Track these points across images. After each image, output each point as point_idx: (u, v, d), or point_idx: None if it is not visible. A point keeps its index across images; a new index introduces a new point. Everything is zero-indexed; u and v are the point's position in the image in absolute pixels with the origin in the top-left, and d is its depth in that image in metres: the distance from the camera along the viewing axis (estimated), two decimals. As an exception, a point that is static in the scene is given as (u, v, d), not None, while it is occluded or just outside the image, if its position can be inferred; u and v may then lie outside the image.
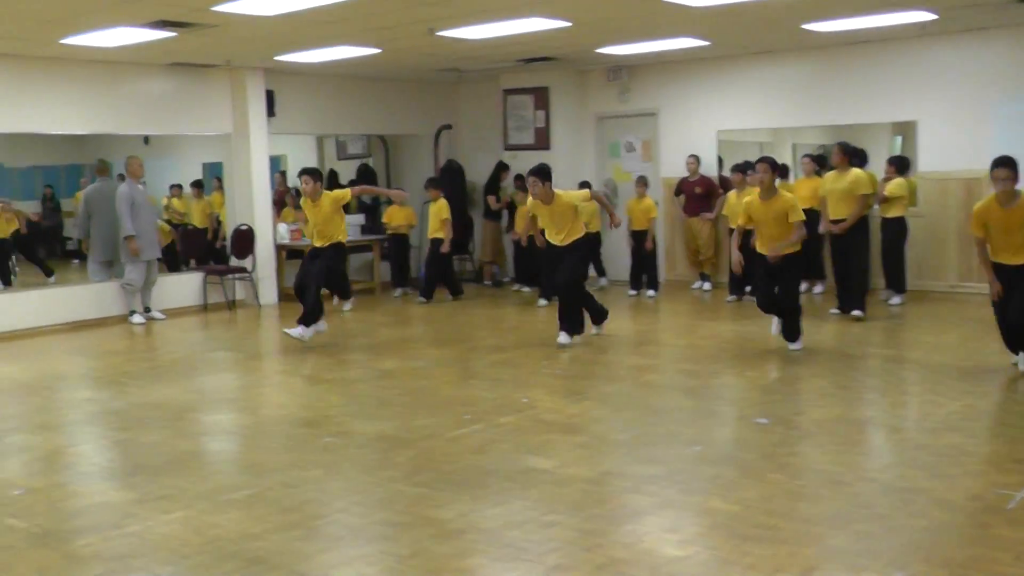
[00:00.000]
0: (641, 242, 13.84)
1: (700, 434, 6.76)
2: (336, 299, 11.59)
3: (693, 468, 5.95)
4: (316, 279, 10.47)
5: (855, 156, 11.67)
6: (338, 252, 10.69)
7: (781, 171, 13.99)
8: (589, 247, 10.84)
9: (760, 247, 9.30)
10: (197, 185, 16.70)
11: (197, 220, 16.59)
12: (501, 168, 15.66)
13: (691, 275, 14.59)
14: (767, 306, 9.42)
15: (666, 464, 6.04)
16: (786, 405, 7.68)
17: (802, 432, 6.72)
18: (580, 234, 10.15)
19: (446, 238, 13.92)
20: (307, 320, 10.50)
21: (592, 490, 5.55)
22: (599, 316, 10.55)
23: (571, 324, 10.17)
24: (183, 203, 17.10)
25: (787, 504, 5.21)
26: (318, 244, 10.57)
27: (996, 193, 7.96)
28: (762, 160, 9.28)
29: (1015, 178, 7.88)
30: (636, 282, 14.05)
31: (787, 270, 9.22)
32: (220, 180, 16.38)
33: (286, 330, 10.68)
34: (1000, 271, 8.08)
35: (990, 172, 7.97)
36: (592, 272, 13.82)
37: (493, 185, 15.58)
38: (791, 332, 9.48)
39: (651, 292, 13.86)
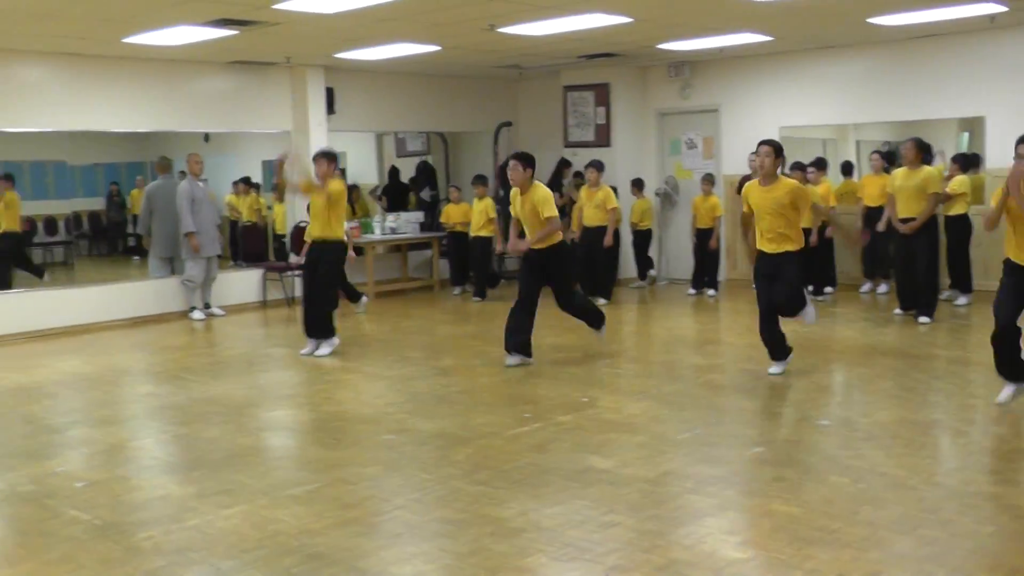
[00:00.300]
0: (705, 240, 13.75)
1: (761, 435, 6.72)
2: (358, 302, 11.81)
3: (754, 469, 5.91)
4: (319, 303, 9.98)
5: (927, 153, 11.47)
6: (335, 257, 10.00)
7: (845, 168, 13.91)
8: (568, 254, 9.54)
9: (758, 242, 8.35)
10: (245, 182, 16.80)
11: (245, 216, 16.69)
12: (563, 164, 15.65)
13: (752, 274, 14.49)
14: (768, 317, 8.45)
15: (727, 465, 6.01)
16: (849, 407, 7.60)
17: (865, 434, 6.64)
18: (559, 236, 9.13)
19: (496, 236, 13.94)
20: (320, 334, 10.16)
21: (652, 490, 5.53)
22: (595, 320, 9.69)
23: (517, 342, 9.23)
24: (238, 200, 17.25)
25: (850, 507, 5.15)
26: (315, 236, 9.90)
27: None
28: (764, 143, 8.21)
29: None
30: (697, 281, 13.98)
31: (784, 268, 8.19)
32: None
33: (304, 352, 10.19)
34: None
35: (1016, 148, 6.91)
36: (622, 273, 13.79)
37: (556, 182, 15.57)
38: (778, 347, 8.52)
39: (711, 292, 13.77)
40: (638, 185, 14.85)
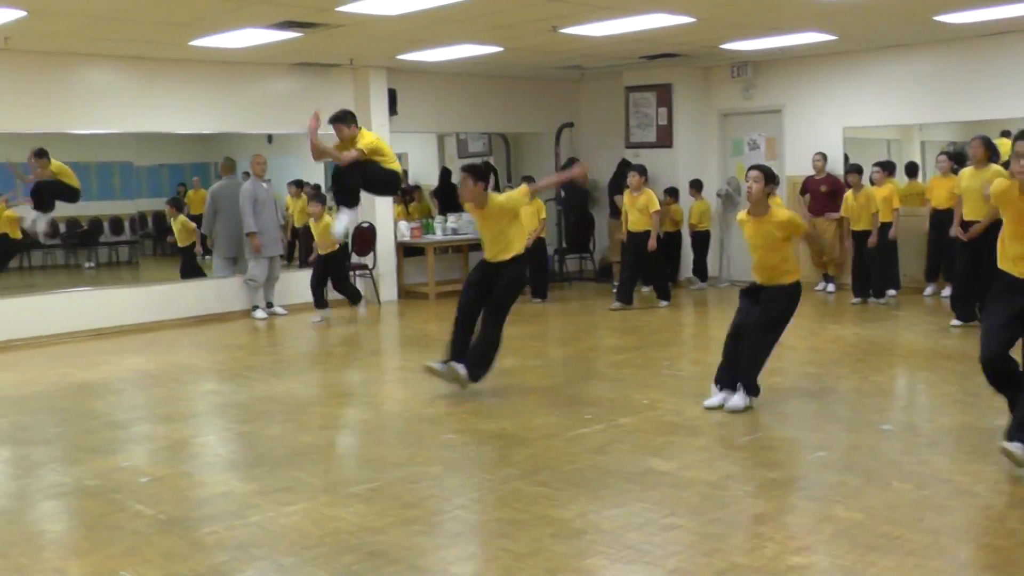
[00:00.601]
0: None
1: (824, 439, 6.67)
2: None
3: (816, 474, 5.88)
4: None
5: (995, 151, 11.19)
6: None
7: (909, 169, 13.75)
8: (525, 267, 8.55)
9: (753, 271, 7.58)
10: (296, 184, 16.92)
11: (297, 220, 16.81)
12: (626, 166, 15.60)
13: (814, 276, 14.36)
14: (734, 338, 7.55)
15: (788, 469, 5.98)
16: (913, 411, 7.53)
17: (929, 440, 6.58)
18: (519, 250, 8.19)
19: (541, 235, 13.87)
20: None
21: (713, 494, 5.52)
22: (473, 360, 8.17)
23: (459, 351, 8.17)
24: (291, 202, 17.39)
25: (913, 514, 5.11)
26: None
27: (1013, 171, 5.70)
28: (754, 168, 7.44)
29: None
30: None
31: (773, 300, 7.43)
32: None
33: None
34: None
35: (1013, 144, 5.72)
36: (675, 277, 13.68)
37: (618, 183, 15.55)
38: (745, 369, 7.47)
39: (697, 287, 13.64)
40: (696, 186, 14.81)
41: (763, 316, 7.38)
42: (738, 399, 7.36)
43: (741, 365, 7.42)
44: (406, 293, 14.84)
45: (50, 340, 11.63)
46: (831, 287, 13.99)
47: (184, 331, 12.30)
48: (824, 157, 13.87)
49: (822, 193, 13.83)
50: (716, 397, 7.51)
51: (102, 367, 10.00)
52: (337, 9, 9.58)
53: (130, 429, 7.51)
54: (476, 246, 15.57)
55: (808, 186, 14.02)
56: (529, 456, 6.36)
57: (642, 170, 13.13)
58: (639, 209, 12.98)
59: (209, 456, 6.80)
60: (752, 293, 7.56)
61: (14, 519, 5.55)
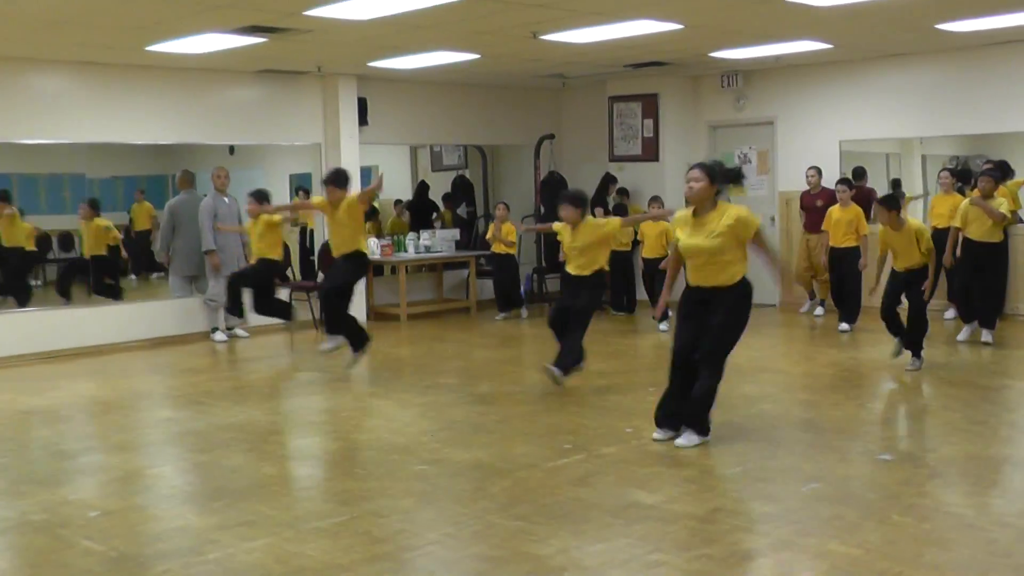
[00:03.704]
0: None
1: (818, 470, 6.67)
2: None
3: (810, 507, 5.88)
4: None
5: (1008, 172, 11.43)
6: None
7: (893, 186, 13.81)
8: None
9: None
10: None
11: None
12: (608, 181, 15.65)
13: (800, 296, 14.37)
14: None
15: (781, 502, 5.98)
16: (913, 440, 7.55)
17: (931, 470, 6.59)
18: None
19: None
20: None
21: (701, 528, 5.51)
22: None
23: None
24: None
25: (913, 549, 5.11)
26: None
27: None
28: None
29: None
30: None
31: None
32: (307, 191, 16.61)
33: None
34: None
35: None
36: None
37: (600, 197, 15.58)
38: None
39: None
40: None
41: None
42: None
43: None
44: (376, 314, 14.81)
45: (-5, 364, 11.56)
46: (820, 309, 13.98)
47: (138, 354, 12.23)
48: (819, 171, 13.91)
49: (818, 208, 13.85)
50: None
51: (49, 393, 9.93)
52: (304, 13, 9.57)
53: (79, 459, 7.45)
54: (451, 265, 15.59)
55: (804, 201, 14.05)
56: (506, 488, 6.34)
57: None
58: (657, 235, 13.26)
59: (164, 488, 6.75)
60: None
61: (-46, 556, 5.50)
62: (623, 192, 15.23)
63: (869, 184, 13.89)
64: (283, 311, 12.37)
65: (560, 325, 9.47)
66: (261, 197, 11.87)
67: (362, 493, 6.36)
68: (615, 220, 10.00)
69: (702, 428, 7.27)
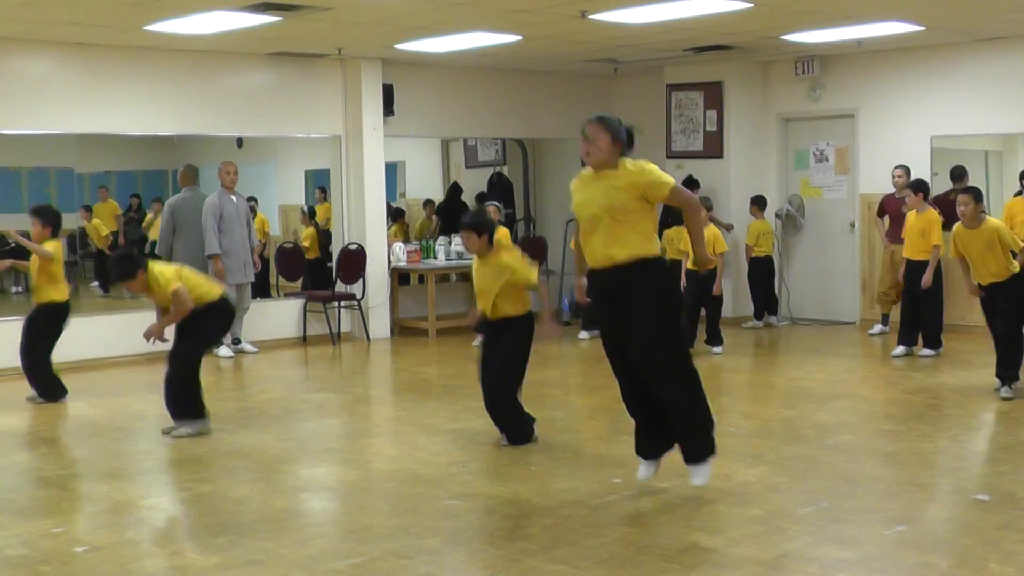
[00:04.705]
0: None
1: (904, 511, 6.63)
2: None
3: (894, 553, 5.83)
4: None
5: None
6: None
7: (975, 194, 13.63)
8: None
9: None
10: (252, 200, 17.06)
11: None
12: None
13: (873, 315, 14.27)
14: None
15: (860, 547, 5.93)
16: (1015, 478, 7.47)
17: (1034, 513, 6.54)
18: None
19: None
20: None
21: (767, 575, 5.47)
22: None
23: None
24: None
25: (1014, 601, 5.06)
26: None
27: None
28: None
29: None
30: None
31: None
32: (324, 191, 16.72)
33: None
34: None
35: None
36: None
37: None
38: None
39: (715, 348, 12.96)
40: (759, 203, 14.79)
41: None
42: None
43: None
44: (401, 329, 14.84)
45: (-28, 380, 11.64)
46: (877, 327, 13.81)
47: (134, 371, 12.29)
48: (907, 171, 13.78)
49: (904, 215, 13.77)
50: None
51: (31, 412, 9.99)
52: (323, -12, 9.63)
53: (65, 487, 7.49)
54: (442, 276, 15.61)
55: (887, 206, 13.94)
56: (547, 528, 6.32)
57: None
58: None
59: (160, 521, 6.78)
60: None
61: (-76, 595, 5.54)
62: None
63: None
64: (52, 390, 10.46)
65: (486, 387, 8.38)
66: (45, 217, 10.29)
67: (383, 530, 6.36)
68: (516, 263, 8.31)
69: (705, 451, 6.72)
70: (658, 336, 6.46)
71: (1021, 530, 6.17)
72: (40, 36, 12.01)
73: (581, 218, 6.71)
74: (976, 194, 9.71)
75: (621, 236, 6.45)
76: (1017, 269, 9.59)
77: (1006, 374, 9.68)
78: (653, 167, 6.59)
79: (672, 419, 6.66)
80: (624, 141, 6.68)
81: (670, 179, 6.53)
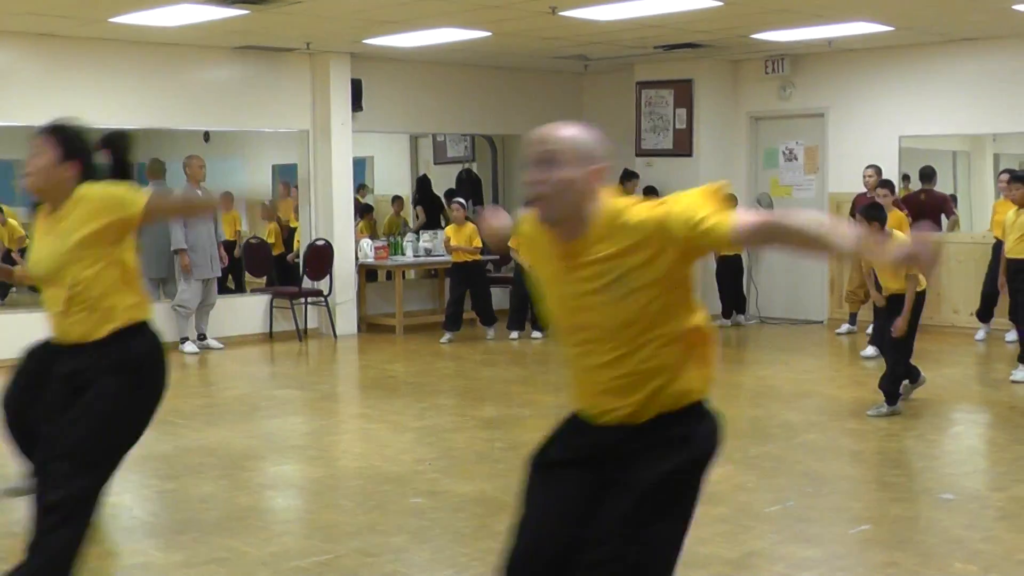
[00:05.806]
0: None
1: (869, 510, 6.67)
2: None
3: (860, 552, 5.87)
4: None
5: None
6: None
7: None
8: None
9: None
10: (228, 194, 17.09)
11: (229, 233, 16.84)
12: (626, 177, 15.52)
13: (840, 315, 14.34)
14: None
15: (826, 546, 5.97)
16: (979, 477, 7.53)
17: (999, 512, 6.58)
18: None
19: None
20: None
21: (734, 574, 5.50)
22: None
23: None
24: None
25: (978, 600, 5.11)
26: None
27: None
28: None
29: None
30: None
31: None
32: (288, 185, 16.71)
33: None
34: None
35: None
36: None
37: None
38: None
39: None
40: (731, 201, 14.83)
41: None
42: None
43: None
44: (368, 325, 14.83)
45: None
46: (846, 326, 13.88)
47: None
48: (878, 171, 13.82)
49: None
50: None
51: (-3, 409, 9.94)
52: (291, -18, 9.63)
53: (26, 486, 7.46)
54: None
55: (858, 206, 13.97)
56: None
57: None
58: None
59: (123, 519, 6.76)
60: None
61: None
62: (651, 191, 15.20)
63: (939, 187, 13.81)
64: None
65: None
66: None
67: (349, 528, 6.37)
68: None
69: None
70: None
71: (985, 529, 6.22)
72: (3, 27, 11.93)
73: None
74: None
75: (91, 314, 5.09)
76: None
77: None
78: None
79: None
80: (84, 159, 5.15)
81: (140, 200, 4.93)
